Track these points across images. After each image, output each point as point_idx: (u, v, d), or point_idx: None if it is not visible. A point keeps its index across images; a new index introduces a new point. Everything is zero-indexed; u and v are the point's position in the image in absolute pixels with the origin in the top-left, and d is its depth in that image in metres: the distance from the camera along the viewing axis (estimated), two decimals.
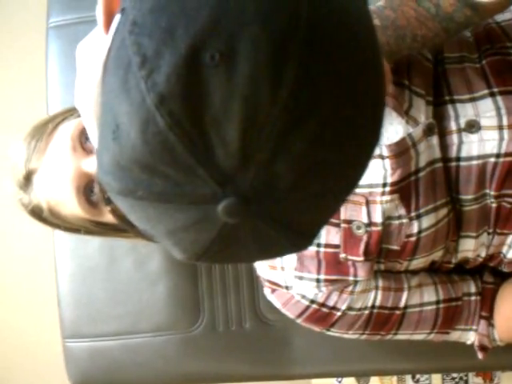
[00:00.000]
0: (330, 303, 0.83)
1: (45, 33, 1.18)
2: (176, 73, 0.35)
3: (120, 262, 1.11)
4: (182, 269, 1.11)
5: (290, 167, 0.37)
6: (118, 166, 0.39)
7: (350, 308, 0.83)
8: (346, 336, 0.88)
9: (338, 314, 0.84)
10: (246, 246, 0.42)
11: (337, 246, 0.80)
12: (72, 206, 0.80)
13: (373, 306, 0.84)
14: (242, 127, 0.35)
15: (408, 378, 1.55)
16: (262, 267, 0.88)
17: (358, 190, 0.77)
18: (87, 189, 0.80)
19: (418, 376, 1.54)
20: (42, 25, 1.18)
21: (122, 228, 0.83)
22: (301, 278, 0.83)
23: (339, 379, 1.59)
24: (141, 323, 1.12)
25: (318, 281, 0.82)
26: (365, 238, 0.78)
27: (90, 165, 0.78)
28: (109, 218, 0.81)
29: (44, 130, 0.82)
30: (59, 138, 0.80)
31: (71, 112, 0.86)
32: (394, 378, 1.55)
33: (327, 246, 0.80)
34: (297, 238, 0.43)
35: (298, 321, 0.87)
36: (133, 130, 0.37)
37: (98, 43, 0.54)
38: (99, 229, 0.85)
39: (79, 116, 0.81)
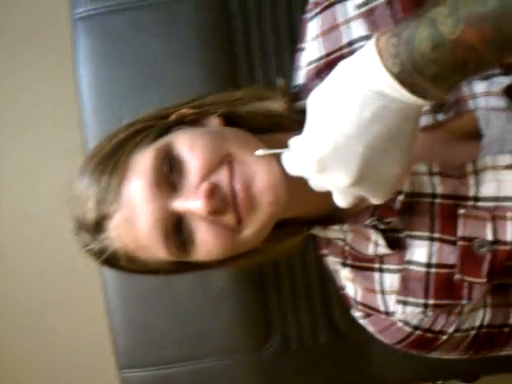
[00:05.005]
0: (437, 327, 0.73)
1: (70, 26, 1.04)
2: None
3: (178, 282, 0.98)
4: (248, 284, 0.99)
5: None
6: None
7: (456, 330, 0.73)
8: (445, 357, 0.78)
9: (444, 337, 0.74)
10: None
11: (451, 266, 0.70)
12: (156, 251, 0.67)
13: (481, 326, 0.74)
14: None
15: None
16: (355, 288, 0.77)
17: (481, 204, 0.67)
18: (175, 230, 0.66)
19: None
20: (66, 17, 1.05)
21: (206, 264, 0.72)
22: (405, 302, 0.73)
23: None
24: (205, 347, 1.00)
25: (425, 306, 0.72)
26: (488, 257, 0.68)
27: (179, 203, 0.64)
28: (196, 256, 0.68)
29: (115, 162, 0.67)
30: (137, 172, 0.65)
31: (141, 136, 0.69)
32: None
33: (439, 266, 0.70)
34: None
35: (397, 346, 0.77)
36: None
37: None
38: (181, 267, 0.72)
39: (153, 140, 0.68)
